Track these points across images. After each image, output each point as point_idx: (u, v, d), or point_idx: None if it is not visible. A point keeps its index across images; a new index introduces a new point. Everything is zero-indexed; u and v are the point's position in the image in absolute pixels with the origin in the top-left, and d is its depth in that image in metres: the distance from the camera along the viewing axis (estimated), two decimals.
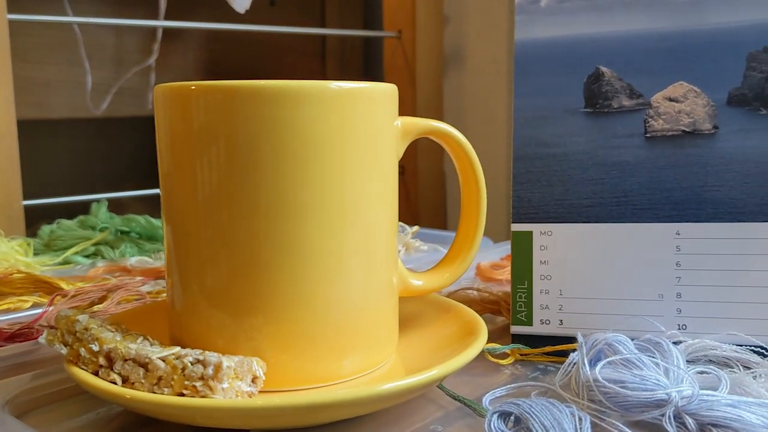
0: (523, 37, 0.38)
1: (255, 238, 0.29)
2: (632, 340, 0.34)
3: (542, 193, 0.37)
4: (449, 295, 0.45)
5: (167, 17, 1.00)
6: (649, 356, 0.32)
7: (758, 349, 0.33)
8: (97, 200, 0.70)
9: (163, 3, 1.00)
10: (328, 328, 0.31)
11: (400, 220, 0.75)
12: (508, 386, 0.33)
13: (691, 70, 0.36)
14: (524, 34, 0.39)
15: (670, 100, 0.36)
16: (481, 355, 0.36)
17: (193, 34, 1.08)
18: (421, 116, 0.35)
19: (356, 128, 0.30)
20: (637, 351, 0.31)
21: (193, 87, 0.30)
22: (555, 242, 0.37)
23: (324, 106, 0.30)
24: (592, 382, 0.29)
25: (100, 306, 0.45)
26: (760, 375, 0.32)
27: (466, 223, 0.36)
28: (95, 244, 0.62)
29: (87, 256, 0.61)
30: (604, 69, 0.37)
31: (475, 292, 0.45)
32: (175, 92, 0.30)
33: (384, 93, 0.32)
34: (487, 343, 0.38)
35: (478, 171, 0.36)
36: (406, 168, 1.03)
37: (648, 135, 0.36)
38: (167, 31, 1.01)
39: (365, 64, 1.26)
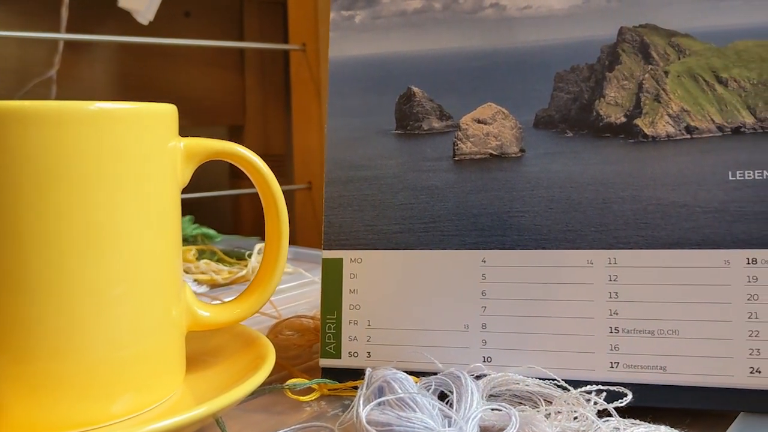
0: (338, 55, 0.37)
1: None
2: (436, 374, 0.32)
3: (353, 218, 0.36)
4: (282, 322, 0.43)
5: (71, 28, 0.97)
6: (434, 395, 0.30)
7: (561, 382, 0.32)
8: None
9: (65, 13, 0.97)
10: (85, 367, 0.28)
11: (304, 243, 0.73)
12: (291, 427, 0.31)
13: (499, 91, 0.35)
14: (338, 51, 0.37)
15: (479, 122, 0.35)
16: (297, 391, 0.35)
17: (102, 45, 1.05)
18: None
19: (116, 151, 0.28)
20: (414, 389, 0.29)
21: None
22: (365, 270, 0.35)
23: (75, 128, 0.27)
24: (362, 424, 0.27)
25: None
26: (555, 412, 0.31)
27: (267, 254, 0.34)
28: None
29: None
30: (415, 89, 0.36)
31: (311, 321, 0.43)
32: None
33: (154, 114, 0.30)
34: (300, 377, 0.37)
35: (277, 197, 0.34)
36: (313, 185, 1.01)
37: (456, 158, 0.35)
38: (72, 41, 0.98)
39: (286, 77, 1.24)
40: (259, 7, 1.22)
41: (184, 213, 0.75)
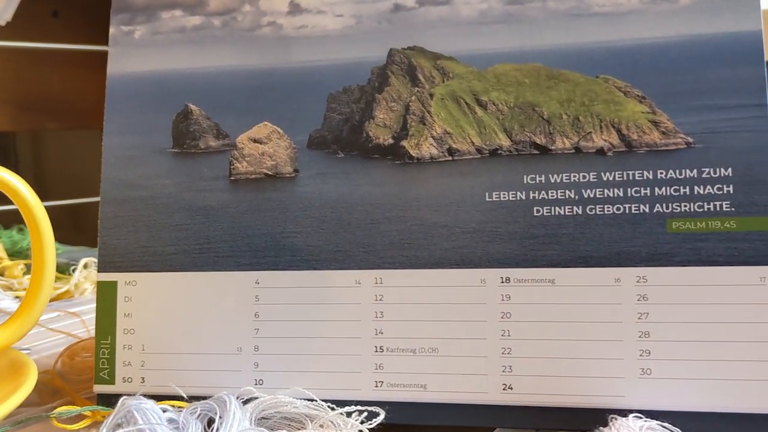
0: (116, 71, 0.36)
1: None
2: (207, 398, 0.32)
3: (128, 239, 0.35)
4: (78, 344, 0.42)
5: None
6: (202, 421, 0.29)
7: (321, 403, 0.32)
8: None
9: None
10: None
11: None
12: None
13: (275, 110, 0.34)
14: (117, 67, 0.36)
15: (255, 141, 0.34)
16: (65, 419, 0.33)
17: None
18: None
19: None
20: (161, 420, 0.29)
21: None
22: (139, 293, 0.34)
23: None
24: None
25: None
26: None
27: (32, 283, 0.33)
28: None
29: None
30: (192, 107, 0.35)
31: None
32: None
33: None
34: (83, 403, 0.35)
35: (42, 225, 0.32)
36: None
37: (232, 178, 0.35)
38: None
39: None
40: None
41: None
